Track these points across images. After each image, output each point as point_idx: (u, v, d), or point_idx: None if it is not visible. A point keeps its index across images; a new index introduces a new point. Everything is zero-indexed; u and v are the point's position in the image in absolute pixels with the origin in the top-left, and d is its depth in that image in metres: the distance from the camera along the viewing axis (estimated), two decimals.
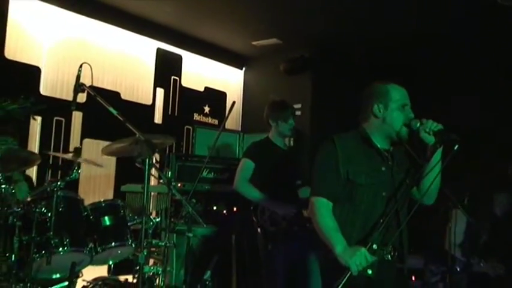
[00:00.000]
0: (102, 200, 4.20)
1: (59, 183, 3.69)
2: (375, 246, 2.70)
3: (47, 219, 3.63)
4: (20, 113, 4.12)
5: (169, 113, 7.27)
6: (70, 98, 5.67)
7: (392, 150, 2.99)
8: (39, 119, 5.70)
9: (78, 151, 4.04)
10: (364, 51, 7.22)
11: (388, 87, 2.98)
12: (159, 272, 4.18)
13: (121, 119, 3.61)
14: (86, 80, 3.75)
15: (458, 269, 5.16)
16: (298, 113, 5.35)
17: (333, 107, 7.25)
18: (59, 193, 3.71)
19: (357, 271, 2.61)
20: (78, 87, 3.67)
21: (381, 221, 2.79)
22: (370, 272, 2.64)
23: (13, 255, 3.48)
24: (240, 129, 8.11)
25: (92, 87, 3.73)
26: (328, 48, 7.41)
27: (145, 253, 3.64)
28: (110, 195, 6.20)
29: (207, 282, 4.43)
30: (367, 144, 2.96)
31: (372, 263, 2.64)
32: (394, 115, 2.90)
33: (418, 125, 2.84)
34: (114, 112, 3.58)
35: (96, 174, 6.15)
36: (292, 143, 6.38)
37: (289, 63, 7.54)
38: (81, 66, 3.72)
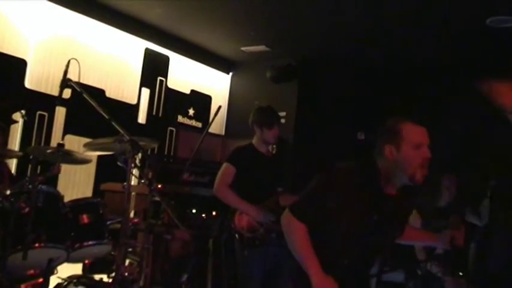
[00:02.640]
0: (81, 198, 4.18)
1: (39, 178, 3.66)
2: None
3: (25, 214, 3.60)
4: (7, 111, 4.07)
5: (154, 113, 7.25)
6: (55, 93, 5.69)
7: (399, 196, 2.79)
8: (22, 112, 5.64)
9: (61, 147, 3.99)
10: (350, 63, 7.27)
11: (401, 125, 2.72)
12: (136, 273, 4.16)
13: (106, 117, 3.60)
14: (72, 76, 3.73)
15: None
16: (282, 120, 5.35)
17: (317, 116, 7.29)
18: (38, 188, 3.68)
19: None
20: (65, 82, 3.66)
21: (346, 263, 2.76)
22: None
23: None
24: (223, 133, 8.11)
25: (78, 83, 3.71)
26: (315, 58, 7.44)
27: (122, 253, 3.63)
28: (89, 193, 6.17)
29: (184, 285, 4.43)
30: (369, 186, 2.74)
31: None
32: (408, 157, 2.65)
33: (457, 227, 2.95)
34: (99, 109, 3.57)
35: (75, 171, 6.11)
36: (274, 150, 6.39)
37: (276, 70, 7.56)
38: (68, 61, 3.71)
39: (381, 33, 6.28)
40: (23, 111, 4.44)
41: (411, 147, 2.66)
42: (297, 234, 2.76)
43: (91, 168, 6.20)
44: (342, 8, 5.74)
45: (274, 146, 5.82)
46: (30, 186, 3.68)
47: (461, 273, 5.53)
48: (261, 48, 7.39)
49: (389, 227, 2.82)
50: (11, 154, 4.14)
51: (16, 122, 4.56)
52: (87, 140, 4.67)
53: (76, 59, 3.74)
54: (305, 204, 2.83)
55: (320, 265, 2.66)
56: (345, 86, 7.29)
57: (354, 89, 7.31)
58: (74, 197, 4.24)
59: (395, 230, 2.89)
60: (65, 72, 3.69)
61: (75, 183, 6.15)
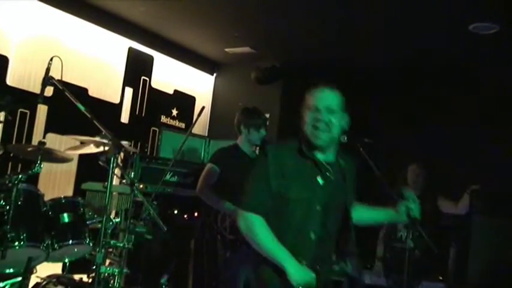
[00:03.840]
0: (62, 197, 4.15)
1: (20, 176, 3.63)
2: (304, 263, 2.62)
3: (5, 212, 3.56)
4: None
5: (137, 113, 7.21)
6: (36, 90, 5.67)
7: (337, 162, 2.83)
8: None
9: (42, 145, 3.96)
10: (334, 65, 7.29)
11: (310, 92, 2.83)
12: (115, 273, 4.13)
13: (88, 116, 3.58)
14: (55, 73, 3.70)
15: None
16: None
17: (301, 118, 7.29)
18: (19, 186, 3.64)
19: None
20: (47, 80, 3.63)
21: (312, 237, 2.70)
22: None
23: None
24: (206, 134, 8.09)
25: (60, 81, 3.68)
26: (299, 60, 7.45)
27: (102, 253, 3.60)
28: (69, 192, 6.11)
29: (164, 286, 4.41)
30: (304, 154, 2.77)
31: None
32: (304, 120, 2.76)
33: (410, 198, 2.91)
34: (82, 108, 3.55)
35: (56, 170, 6.05)
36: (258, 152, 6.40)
37: (260, 72, 7.56)
38: (51, 59, 3.68)
39: (365, 35, 6.30)
40: (7, 112, 4.39)
41: (307, 110, 2.76)
42: (257, 229, 2.69)
43: (72, 167, 6.14)
44: (327, 10, 5.74)
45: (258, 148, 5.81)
46: (9, 184, 3.64)
47: (441, 278, 5.59)
48: (245, 49, 7.39)
49: (337, 192, 2.78)
50: None
51: (0, 122, 4.51)
52: (69, 138, 4.65)
53: (59, 57, 3.72)
54: (253, 194, 2.78)
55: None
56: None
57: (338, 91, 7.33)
58: (55, 196, 4.19)
59: (343, 195, 2.82)
60: (47, 70, 3.67)
61: (56, 182, 6.09)
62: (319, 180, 2.74)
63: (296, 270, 2.57)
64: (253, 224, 2.69)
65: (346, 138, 2.80)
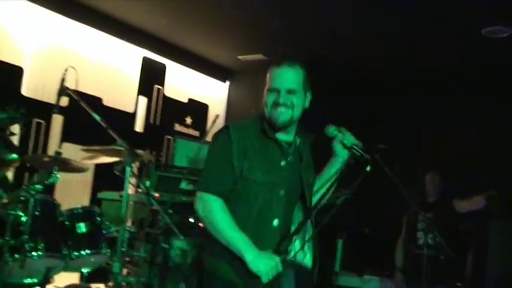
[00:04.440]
0: (79, 206, 4.16)
1: (36, 186, 3.65)
2: (269, 251, 2.47)
3: (23, 223, 3.58)
4: (8, 122, 4.04)
5: (151, 122, 7.23)
6: (51, 100, 5.69)
7: (299, 143, 2.72)
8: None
9: (58, 155, 3.98)
10: (347, 71, 7.27)
11: (270, 71, 2.70)
12: (133, 283, 4.14)
13: (104, 125, 3.60)
14: (70, 84, 3.72)
15: None
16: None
17: (315, 125, 7.26)
18: (36, 197, 3.66)
19: (267, 281, 2.40)
20: (62, 90, 3.66)
21: (275, 224, 2.56)
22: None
23: None
24: None
25: (75, 91, 3.71)
26: (312, 67, 7.43)
27: (120, 262, 3.61)
28: (85, 202, 6.13)
29: None
30: (267, 135, 2.65)
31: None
32: (264, 100, 2.65)
33: (336, 132, 2.68)
34: (98, 118, 3.57)
35: (72, 179, 6.08)
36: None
37: None
38: (66, 69, 3.71)
39: (377, 41, 6.29)
40: (21, 124, 4.42)
41: (267, 91, 2.66)
42: (215, 212, 2.51)
43: (88, 176, 6.17)
44: (339, 16, 5.74)
45: None
46: (27, 194, 3.66)
47: (459, 284, 5.55)
48: (258, 56, 7.39)
49: (297, 175, 2.67)
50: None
51: (14, 134, 4.54)
52: (85, 148, 4.67)
53: (73, 67, 3.75)
54: (209, 173, 2.62)
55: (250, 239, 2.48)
56: (342, 94, 7.29)
57: (351, 97, 7.31)
58: (71, 205, 4.21)
59: (301, 177, 2.69)
60: (62, 80, 3.70)
61: (72, 191, 6.12)
62: (282, 163, 2.62)
63: (256, 258, 2.42)
64: (211, 206, 2.52)
65: (361, 144, 2.76)
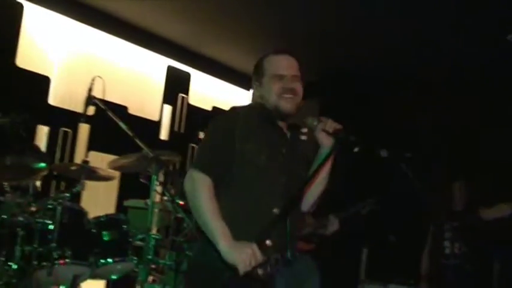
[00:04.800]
0: (105, 214, 4.20)
1: (65, 194, 3.70)
2: (268, 242, 2.26)
3: (50, 231, 3.62)
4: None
5: (176, 130, 7.27)
6: (78, 109, 5.78)
7: (291, 131, 2.66)
8: (45, 129, 5.71)
9: (85, 164, 4.03)
10: (372, 79, 7.24)
11: (263, 60, 2.68)
12: None
13: (130, 134, 3.64)
14: (97, 93, 3.77)
15: None
16: (304, 137, 5.34)
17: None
18: (63, 205, 3.71)
19: (245, 271, 2.17)
20: (89, 100, 3.71)
21: (275, 211, 2.39)
22: (260, 272, 2.23)
23: (14, 265, 3.47)
24: None
25: (102, 100, 3.75)
26: (336, 75, 7.43)
27: (145, 270, 3.64)
28: (111, 210, 6.17)
29: None
30: (270, 122, 2.59)
31: (263, 262, 2.22)
32: (268, 88, 2.58)
33: (316, 123, 2.56)
34: (124, 127, 3.60)
35: (98, 187, 6.13)
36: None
37: None
38: (93, 79, 3.76)
39: (401, 48, 6.26)
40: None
41: (271, 78, 2.59)
42: (200, 193, 2.33)
43: (114, 184, 6.22)
44: (364, 24, 5.73)
45: None
46: (55, 203, 3.71)
47: None
48: None
49: (299, 165, 2.60)
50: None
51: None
52: (111, 156, 4.72)
53: (100, 77, 3.79)
54: (205, 151, 2.51)
55: (241, 226, 2.31)
56: (367, 102, 7.26)
57: (377, 106, 7.28)
58: (97, 213, 4.25)
59: (303, 168, 2.61)
60: (90, 90, 3.74)
61: (98, 199, 6.17)
62: (283, 150, 2.55)
63: (230, 248, 2.21)
64: (198, 185, 2.35)
65: (386, 152, 2.71)
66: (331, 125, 2.51)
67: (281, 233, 2.37)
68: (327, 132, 2.52)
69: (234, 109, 2.61)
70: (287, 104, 2.54)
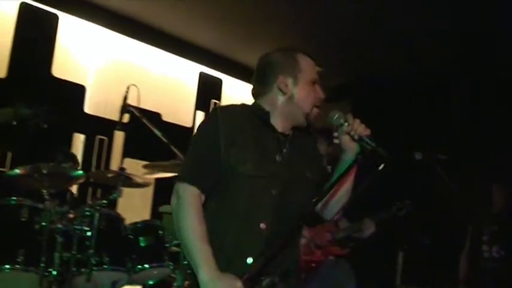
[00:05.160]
0: (142, 220, 4.24)
1: (103, 201, 3.75)
2: (249, 260, 2.06)
3: (88, 237, 3.67)
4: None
5: None
6: (113, 116, 5.85)
7: (293, 135, 2.34)
8: (82, 137, 5.80)
9: (122, 171, 4.08)
10: (405, 81, 7.19)
11: (299, 57, 2.34)
12: None
13: (165, 140, 3.67)
14: (131, 101, 3.82)
15: None
16: (336, 141, 5.31)
17: (373, 135, 7.17)
18: (100, 211, 3.76)
19: None
20: (125, 108, 3.75)
21: (262, 227, 2.12)
22: None
23: (53, 272, 3.52)
24: None
25: (137, 108, 3.80)
26: (369, 77, 7.39)
27: (182, 275, 3.66)
28: (146, 215, 6.24)
29: None
30: (262, 124, 2.28)
31: None
32: (305, 92, 2.29)
33: (342, 121, 2.21)
34: (159, 134, 3.64)
35: (133, 193, 6.20)
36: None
37: (329, 90, 7.52)
38: (128, 87, 3.81)
39: (438, 49, 6.20)
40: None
41: (308, 82, 2.31)
42: (185, 210, 2.08)
43: (149, 190, 6.28)
44: (397, 26, 5.70)
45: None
46: (92, 210, 3.76)
47: None
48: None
49: (297, 171, 2.27)
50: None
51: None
52: (145, 163, 4.77)
53: (135, 85, 3.84)
54: (191, 161, 2.24)
55: (226, 247, 2.09)
56: (400, 104, 7.20)
57: (410, 108, 7.21)
58: (133, 219, 4.30)
59: (306, 176, 2.30)
60: (125, 98, 3.79)
61: (133, 205, 6.24)
62: (277, 157, 2.23)
63: (211, 281, 1.94)
64: (183, 200, 2.11)
65: (421, 155, 2.68)
66: (358, 128, 2.18)
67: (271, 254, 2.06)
68: (352, 137, 2.20)
69: (214, 111, 2.34)
70: (316, 115, 2.34)
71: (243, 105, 2.39)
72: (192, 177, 2.15)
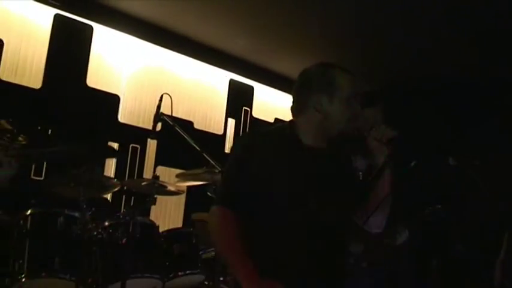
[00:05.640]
0: (175, 228, 4.29)
1: (137, 209, 3.80)
2: (293, 278, 2.06)
3: (123, 245, 3.72)
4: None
5: None
6: (146, 125, 5.95)
7: (329, 152, 2.34)
8: (116, 145, 5.89)
9: (156, 179, 4.13)
10: (436, 86, 7.13)
11: (335, 73, 2.31)
12: None
13: (198, 149, 3.70)
14: (164, 110, 3.86)
15: None
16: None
17: (406, 140, 7.12)
18: (136, 219, 3.81)
19: None
20: (158, 117, 3.79)
21: (303, 242, 2.14)
22: None
23: (90, 279, 3.57)
24: None
25: (170, 117, 3.84)
26: (400, 83, 7.34)
27: (215, 282, 3.68)
28: (179, 223, 6.29)
29: None
30: (292, 142, 2.29)
31: None
32: (341, 111, 2.26)
33: (369, 129, 2.30)
34: (192, 142, 3.67)
35: (166, 201, 6.27)
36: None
37: (360, 96, 7.49)
38: (161, 96, 3.85)
39: (467, 54, 6.14)
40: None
41: (344, 99, 2.27)
42: (222, 229, 2.15)
43: (181, 198, 6.33)
44: (427, 31, 5.66)
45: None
46: (127, 218, 3.81)
47: None
48: None
49: (332, 187, 2.26)
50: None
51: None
52: (178, 171, 4.82)
53: (168, 94, 3.88)
54: (227, 185, 2.27)
55: (266, 264, 2.07)
56: (433, 110, 7.14)
57: (443, 113, 7.14)
58: (166, 227, 4.35)
59: (340, 191, 2.28)
60: (158, 107, 3.83)
61: (166, 213, 6.30)
62: (312, 171, 2.24)
63: (252, 285, 1.99)
64: (219, 221, 2.18)
65: (454, 160, 2.64)
66: (384, 132, 2.24)
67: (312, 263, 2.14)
68: (381, 141, 2.25)
69: (245, 135, 2.45)
70: (353, 128, 2.32)
71: (273, 127, 2.45)
72: (225, 200, 2.21)
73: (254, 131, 2.45)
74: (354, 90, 2.32)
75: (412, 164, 2.21)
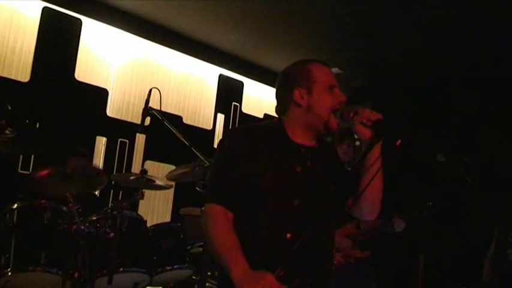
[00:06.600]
0: (163, 222, 4.28)
1: (124, 204, 3.78)
2: (282, 272, 2.04)
3: (110, 239, 3.70)
4: None
5: None
6: (135, 119, 5.92)
7: (318, 147, 2.37)
8: (104, 139, 5.87)
9: (144, 173, 4.12)
10: (425, 83, 7.15)
11: (311, 67, 2.36)
12: None
13: (186, 143, 3.69)
14: (153, 104, 3.85)
15: None
16: (357, 143, 5.31)
17: (395, 137, 7.12)
18: (123, 213, 3.79)
19: None
20: (147, 111, 3.78)
21: (288, 237, 2.14)
22: None
23: (76, 273, 3.55)
24: None
25: (159, 111, 3.82)
26: (389, 80, 7.36)
27: (203, 277, 3.68)
28: (167, 218, 6.29)
29: None
30: (281, 138, 2.32)
31: None
32: (321, 100, 2.30)
33: (352, 114, 2.29)
34: (181, 137, 3.66)
35: (155, 195, 6.26)
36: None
37: (350, 92, 7.52)
38: (150, 91, 3.84)
39: (457, 52, 6.16)
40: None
41: (324, 89, 2.31)
42: (211, 221, 2.16)
43: (169, 193, 6.32)
44: (417, 28, 5.67)
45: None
46: (115, 212, 3.80)
47: None
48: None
49: (321, 182, 2.27)
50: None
51: None
52: (167, 165, 4.81)
53: (157, 88, 3.87)
54: (216, 181, 2.28)
55: (252, 256, 2.08)
56: (421, 106, 7.16)
57: (431, 110, 7.17)
58: (153, 221, 4.34)
59: (330, 186, 2.29)
60: (147, 101, 3.82)
61: (154, 208, 6.29)
62: (297, 169, 2.25)
63: (244, 278, 1.99)
64: (210, 217, 2.18)
65: (443, 157, 2.65)
66: (368, 115, 2.24)
67: (300, 258, 2.14)
68: (365, 125, 2.25)
69: (231, 131, 2.48)
70: (336, 119, 2.31)
71: (262, 123, 2.48)
72: (215, 197, 2.22)
73: (243, 126, 2.48)
74: (332, 81, 2.35)
75: (398, 142, 2.19)
